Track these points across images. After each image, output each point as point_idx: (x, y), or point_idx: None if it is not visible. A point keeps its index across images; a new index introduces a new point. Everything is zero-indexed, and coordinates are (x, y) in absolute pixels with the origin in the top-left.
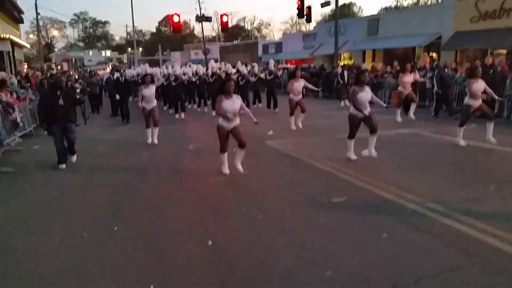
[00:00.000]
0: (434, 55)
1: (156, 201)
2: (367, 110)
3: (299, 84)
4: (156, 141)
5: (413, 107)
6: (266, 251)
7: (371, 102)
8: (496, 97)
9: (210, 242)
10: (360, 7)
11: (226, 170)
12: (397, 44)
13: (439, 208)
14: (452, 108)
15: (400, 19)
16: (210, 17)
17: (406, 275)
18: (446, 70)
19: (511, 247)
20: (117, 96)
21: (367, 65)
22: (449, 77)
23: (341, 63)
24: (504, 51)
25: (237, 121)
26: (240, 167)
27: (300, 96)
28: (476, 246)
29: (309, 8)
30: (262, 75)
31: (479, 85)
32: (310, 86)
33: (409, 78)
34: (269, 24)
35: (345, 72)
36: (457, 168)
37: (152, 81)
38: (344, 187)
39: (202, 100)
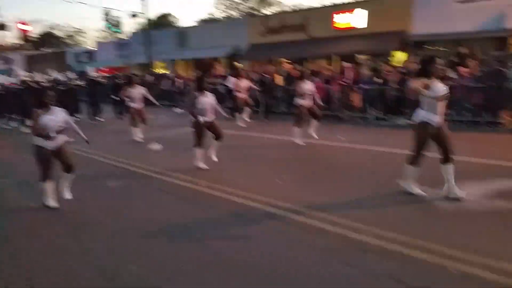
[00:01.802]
0: (238, 64)
1: None
2: (210, 117)
3: (137, 91)
4: None
5: (247, 111)
6: None
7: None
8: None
9: None
10: (177, 18)
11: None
12: (204, 55)
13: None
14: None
15: (206, 32)
16: (3, 25)
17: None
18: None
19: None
20: None
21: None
22: (272, 83)
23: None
24: (287, 61)
25: (60, 140)
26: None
27: (141, 104)
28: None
29: (117, 20)
30: (82, 82)
31: (308, 86)
32: (150, 97)
33: (244, 83)
34: (84, 32)
35: (179, 80)
36: (303, 165)
37: None
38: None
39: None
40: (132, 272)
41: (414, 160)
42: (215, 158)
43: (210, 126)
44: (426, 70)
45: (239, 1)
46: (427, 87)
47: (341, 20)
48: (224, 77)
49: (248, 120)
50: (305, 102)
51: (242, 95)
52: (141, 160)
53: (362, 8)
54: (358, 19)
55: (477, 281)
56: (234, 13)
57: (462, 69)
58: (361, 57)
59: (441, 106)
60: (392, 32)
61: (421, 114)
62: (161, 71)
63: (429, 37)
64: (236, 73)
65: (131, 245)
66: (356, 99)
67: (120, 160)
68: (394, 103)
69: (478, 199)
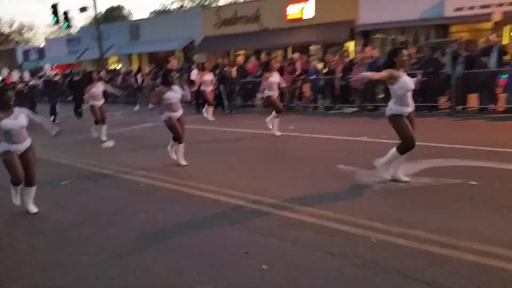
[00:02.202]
0: (195, 57)
1: None
2: (179, 112)
3: (98, 89)
4: None
5: (212, 105)
6: None
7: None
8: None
9: None
10: (129, 10)
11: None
12: (158, 48)
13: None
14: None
15: (159, 24)
16: None
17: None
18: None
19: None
20: None
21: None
22: (231, 76)
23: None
24: (242, 52)
25: (26, 143)
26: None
27: (102, 101)
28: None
29: (65, 14)
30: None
31: (275, 78)
32: (112, 90)
33: (209, 77)
34: (31, 28)
35: (139, 75)
36: (273, 157)
37: None
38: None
39: None
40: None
41: (404, 147)
42: (183, 162)
43: (179, 122)
44: (392, 62)
45: None
46: (394, 77)
47: (293, 11)
48: (180, 71)
49: (212, 114)
50: (274, 93)
51: (208, 89)
52: (108, 160)
53: None
54: (308, 10)
55: (392, 247)
56: (186, 3)
57: None
58: (313, 48)
59: (410, 97)
60: (342, 22)
61: (392, 108)
62: (115, 66)
63: (376, 26)
64: (201, 67)
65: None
66: (307, 89)
67: (84, 161)
68: (341, 92)
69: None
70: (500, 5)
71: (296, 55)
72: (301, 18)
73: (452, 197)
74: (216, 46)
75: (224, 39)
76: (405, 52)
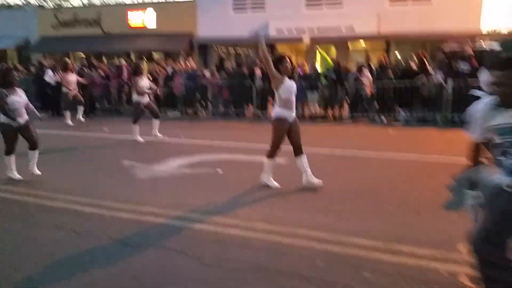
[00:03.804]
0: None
1: None
2: (23, 118)
3: None
4: None
5: (80, 108)
6: None
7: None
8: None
9: None
10: None
11: None
12: None
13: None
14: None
15: None
16: None
17: None
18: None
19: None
20: None
21: None
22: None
23: None
24: (81, 54)
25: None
26: None
27: None
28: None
29: None
30: None
31: (145, 82)
32: None
33: (72, 78)
34: None
35: None
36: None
37: None
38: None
39: None
40: None
41: (272, 153)
42: (36, 171)
43: (24, 130)
44: (277, 68)
45: None
46: (279, 80)
47: (135, 20)
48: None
49: (83, 118)
50: (144, 99)
51: (71, 91)
52: None
53: (153, 8)
54: (149, 19)
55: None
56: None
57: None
58: (156, 56)
59: (293, 102)
60: (182, 34)
61: (277, 111)
62: None
63: (212, 40)
64: (63, 67)
65: None
66: None
67: None
68: (166, 98)
69: (173, 169)
70: (310, 30)
71: (123, 61)
72: (145, 27)
73: (203, 181)
74: (55, 46)
75: (63, 41)
76: (288, 60)
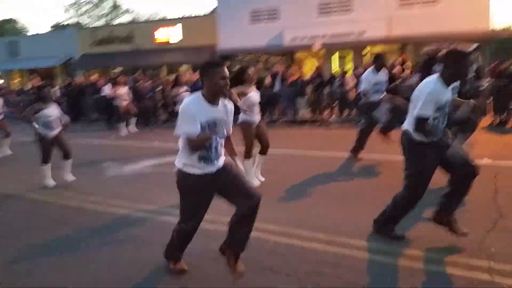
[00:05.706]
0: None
1: None
2: (55, 130)
3: None
4: None
5: (132, 120)
6: None
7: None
8: None
9: None
10: (23, 24)
11: None
12: (37, 65)
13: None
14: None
15: (38, 42)
16: None
17: None
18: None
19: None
20: None
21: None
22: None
23: None
24: (118, 68)
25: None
26: None
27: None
28: None
29: None
30: None
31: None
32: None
33: (123, 91)
34: None
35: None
36: None
37: None
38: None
39: None
40: None
41: (248, 154)
42: (70, 178)
43: (57, 141)
44: (241, 79)
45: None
46: (243, 94)
47: (161, 35)
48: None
49: (134, 129)
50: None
51: (123, 104)
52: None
53: (180, 24)
54: (175, 34)
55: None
56: (82, 19)
57: None
58: (185, 68)
59: (257, 108)
60: (205, 46)
61: (243, 117)
62: None
63: (232, 51)
64: (115, 81)
65: None
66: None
67: None
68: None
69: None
70: (323, 37)
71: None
72: (168, 42)
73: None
74: (94, 63)
75: (100, 57)
76: (252, 68)
